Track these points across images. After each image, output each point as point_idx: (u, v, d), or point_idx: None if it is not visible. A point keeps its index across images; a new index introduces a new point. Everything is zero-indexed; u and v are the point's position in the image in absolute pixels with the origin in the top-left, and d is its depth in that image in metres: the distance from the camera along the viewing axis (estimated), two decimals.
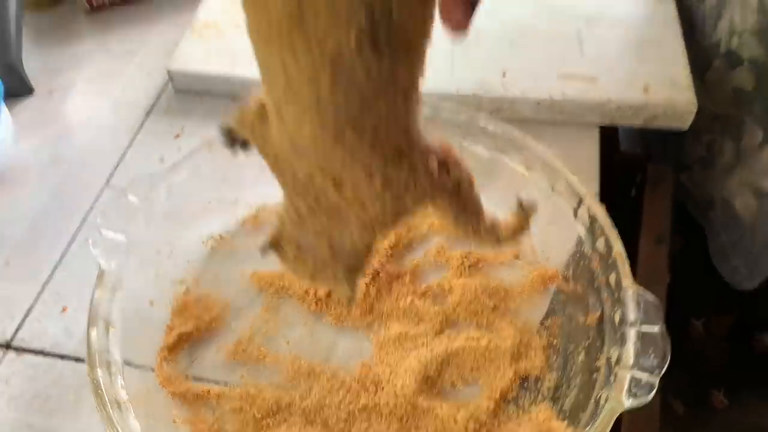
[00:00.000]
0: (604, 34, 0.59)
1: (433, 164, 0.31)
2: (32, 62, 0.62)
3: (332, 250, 0.35)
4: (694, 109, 0.53)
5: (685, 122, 0.54)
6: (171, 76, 0.59)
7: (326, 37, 0.25)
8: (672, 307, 0.75)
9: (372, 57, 0.25)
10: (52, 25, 0.68)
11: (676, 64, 0.56)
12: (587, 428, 0.35)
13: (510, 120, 0.54)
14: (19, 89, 0.59)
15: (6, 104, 0.57)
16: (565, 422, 0.37)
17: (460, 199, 0.33)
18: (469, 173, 0.33)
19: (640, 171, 0.65)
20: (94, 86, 0.62)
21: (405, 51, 0.26)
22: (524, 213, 0.36)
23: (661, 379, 0.36)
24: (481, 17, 0.62)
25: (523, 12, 0.61)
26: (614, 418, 0.35)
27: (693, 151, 0.64)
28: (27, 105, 0.60)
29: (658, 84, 0.54)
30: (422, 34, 0.26)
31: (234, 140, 0.36)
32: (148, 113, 0.59)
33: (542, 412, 0.39)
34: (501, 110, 0.55)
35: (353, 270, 0.36)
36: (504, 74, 0.56)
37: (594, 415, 0.36)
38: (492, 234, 0.35)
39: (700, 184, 0.64)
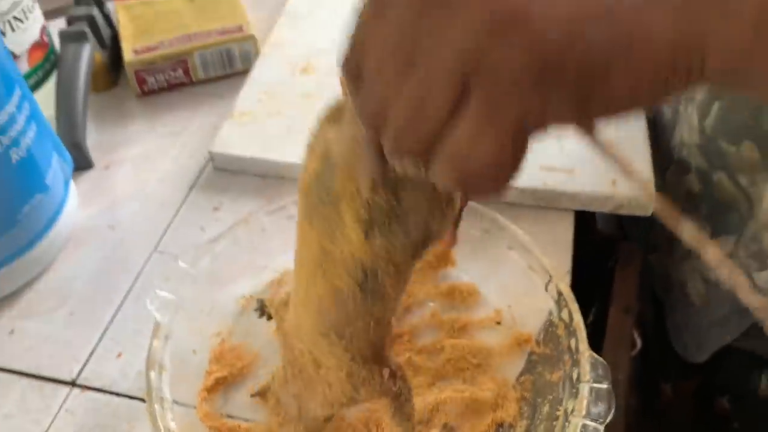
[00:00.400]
0: None
1: (386, 373, 0.43)
2: (91, 139, 0.73)
3: (300, 412, 0.47)
4: (652, 202, 0.63)
5: (647, 211, 0.64)
6: (212, 156, 0.69)
7: (336, 276, 0.38)
8: (645, 371, 0.83)
9: (360, 295, 0.38)
10: (108, 106, 0.78)
11: (641, 162, 0.66)
12: None
13: (498, 204, 0.64)
14: (82, 164, 0.70)
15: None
16: None
17: (399, 403, 0.44)
18: (410, 388, 0.45)
19: (614, 248, 0.74)
20: (143, 162, 0.72)
21: (382, 298, 0.39)
22: None
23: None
24: None
25: None
26: None
27: (661, 234, 0.73)
28: (87, 177, 0.70)
29: (624, 179, 0.64)
30: (398, 291, 0.39)
31: (264, 311, 0.50)
32: (190, 188, 0.69)
33: None
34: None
35: None
36: None
37: None
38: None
39: (663, 265, 0.73)
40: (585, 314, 0.50)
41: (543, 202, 0.65)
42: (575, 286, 0.53)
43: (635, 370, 0.87)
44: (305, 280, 0.40)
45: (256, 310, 0.51)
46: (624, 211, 0.64)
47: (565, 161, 0.66)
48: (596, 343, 0.57)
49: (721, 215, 0.64)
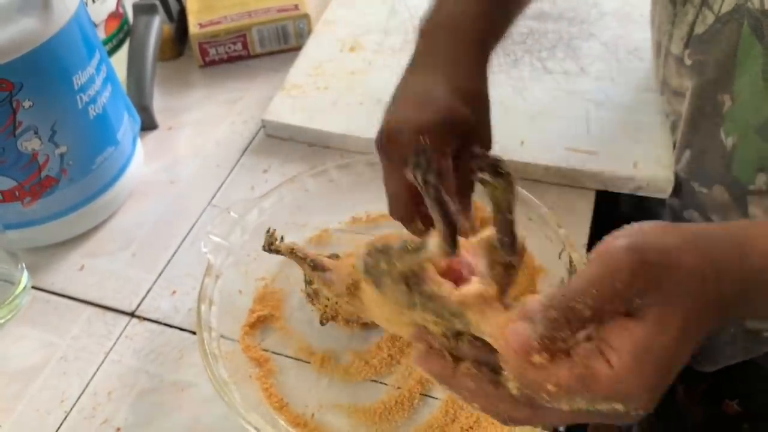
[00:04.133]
0: (608, 116, 0.73)
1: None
2: (156, 103, 0.80)
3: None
4: (671, 183, 0.67)
5: (666, 193, 0.68)
6: (264, 124, 0.76)
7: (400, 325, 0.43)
8: None
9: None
10: (173, 74, 0.86)
11: (661, 146, 0.70)
12: None
13: (523, 180, 0.69)
14: (148, 124, 0.77)
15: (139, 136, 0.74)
16: None
17: None
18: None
19: None
20: (202, 126, 0.79)
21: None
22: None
23: None
24: (509, 95, 0.78)
25: (544, 93, 0.76)
26: None
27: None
28: (152, 137, 0.78)
29: (646, 161, 0.68)
30: None
31: (271, 246, 0.56)
32: (243, 151, 0.75)
33: None
34: (516, 171, 0.68)
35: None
36: (522, 143, 0.71)
37: None
38: None
39: None
40: None
41: (566, 181, 0.69)
42: None
43: None
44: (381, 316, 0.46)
45: (266, 242, 0.56)
46: (643, 192, 0.68)
47: (589, 143, 0.70)
48: None
49: None
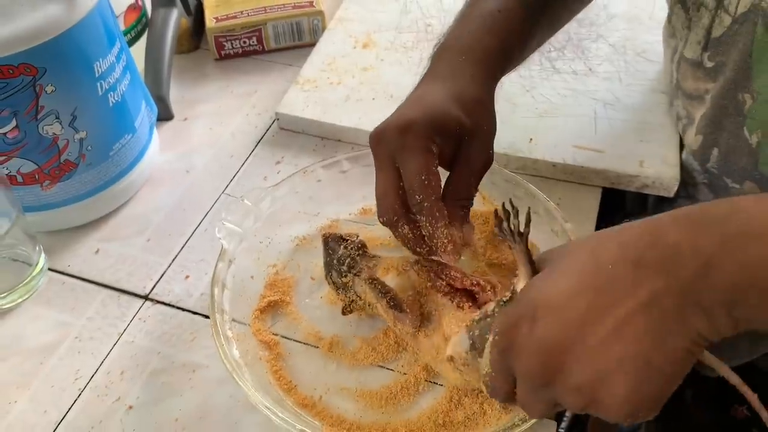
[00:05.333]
0: (615, 116, 0.74)
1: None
2: (173, 94, 0.81)
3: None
4: (677, 182, 0.68)
5: (671, 192, 0.69)
6: (277, 117, 0.77)
7: None
8: None
9: None
10: (189, 66, 0.87)
11: (668, 146, 0.71)
12: None
13: (532, 177, 0.71)
14: (164, 114, 0.79)
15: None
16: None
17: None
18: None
19: None
20: (217, 118, 0.80)
21: None
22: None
23: None
24: (519, 93, 0.80)
25: (553, 92, 0.77)
26: None
27: None
28: (168, 127, 0.79)
29: (652, 160, 0.70)
30: None
31: (351, 269, 0.57)
32: (257, 143, 0.77)
33: None
34: (525, 168, 0.71)
35: None
36: (531, 140, 0.72)
37: None
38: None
39: None
40: None
41: (573, 178, 0.71)
42: None
43: None
44: None
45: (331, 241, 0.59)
46: (649, 191, 0.70)
47: (596, 141, 0.72)
48: None
49: None
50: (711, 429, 0.82)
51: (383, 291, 0.54)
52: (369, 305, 0.56)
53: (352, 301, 0.57)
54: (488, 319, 0.45)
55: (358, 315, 0.59)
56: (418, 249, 0.53)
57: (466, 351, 0.47)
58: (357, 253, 0.57)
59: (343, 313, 0.58)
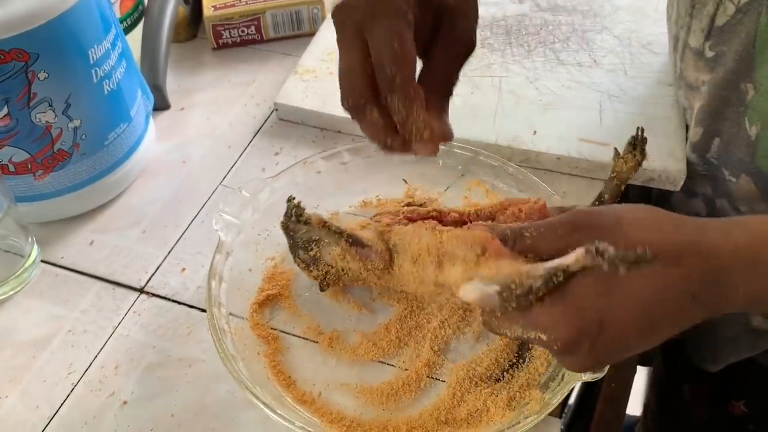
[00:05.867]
0: (620, 108, 0.73)
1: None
2: (169, 83, 0.80)
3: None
4: (683, 176, 0.67)
5: (677, 185, 0.68)
6: (276, 107, 0.76)
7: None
8: (663, 372, 0.86)
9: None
10: (186, 55, 0.86)
11: (674, 139, 0.69)
12: (555, 389, 0.49)
13: (536, 169, 0.69)
14: (161, 104, 0.77)
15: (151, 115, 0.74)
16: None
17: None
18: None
19: None
20: (215, 108, 0.79)
21: None
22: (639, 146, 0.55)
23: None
24: (523, 84, 0.78)
25: (557, 84, 0.76)
26: (572, 384, 0.49)
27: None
28: (164, 116, 0.78)
29: (658, 153, 0.68)
30: None
31: (300, 217, 0.51)
32: (255, 133, 0.75)
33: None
34: (528, 161, 0.70)
35: None
36: (534, 132, 0.70)
37: (560, 383, 0.50)
38: None
39: None
40: None
41: (578, 171, 0.69)
42: None
43: (654, 370, 0.90)
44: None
45: (291, 213, 0.52)
46: (655, 185, 0.68)
47: (601, 134, 0.70)
48: None
49: None
50: (708, 425, 0.82)
51: (338, 231, 0.51)
52: (343, 270, 0.54)
53: (326, 273, 0.55)
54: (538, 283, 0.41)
55: (358, 310, 0.58)
56: (388, 141, 0.46)
57: (495, 301, 0.44)
58: (319, 224, 0.52)
59: (321, 289, 0.56)
